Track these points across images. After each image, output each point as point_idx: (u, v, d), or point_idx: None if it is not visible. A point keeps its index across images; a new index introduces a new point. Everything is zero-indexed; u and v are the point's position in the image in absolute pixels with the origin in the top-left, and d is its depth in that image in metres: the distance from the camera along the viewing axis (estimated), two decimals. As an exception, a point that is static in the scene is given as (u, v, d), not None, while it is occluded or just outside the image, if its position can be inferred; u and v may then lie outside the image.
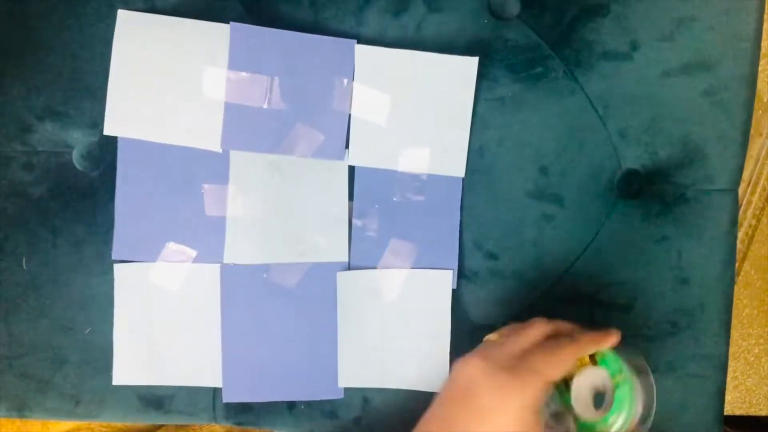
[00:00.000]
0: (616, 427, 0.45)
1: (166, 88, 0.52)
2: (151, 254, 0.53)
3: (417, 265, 0.53)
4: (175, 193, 0.53)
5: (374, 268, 0.53)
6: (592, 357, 0.46)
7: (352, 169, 0.53)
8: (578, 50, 0.52)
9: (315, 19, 0.52)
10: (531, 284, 0.54)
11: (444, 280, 0.53)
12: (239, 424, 0.55)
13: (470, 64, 0.51)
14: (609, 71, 0.52)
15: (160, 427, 0.63)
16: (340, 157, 0.53)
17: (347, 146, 0.53)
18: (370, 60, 0.52)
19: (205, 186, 0.53)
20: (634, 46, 0.52)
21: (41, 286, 0.54)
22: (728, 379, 0.57)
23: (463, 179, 0.53)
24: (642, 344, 0.54)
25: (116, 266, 0.53)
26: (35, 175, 0.53)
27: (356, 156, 0.53)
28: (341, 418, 0.55)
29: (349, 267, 0.53)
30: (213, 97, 0.52)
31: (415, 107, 0.52)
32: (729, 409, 0.67)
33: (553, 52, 0.52)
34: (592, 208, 0.53)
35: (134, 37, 0.51)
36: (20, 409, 0.55)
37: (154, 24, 0.51)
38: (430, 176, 0.53)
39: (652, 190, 0.53)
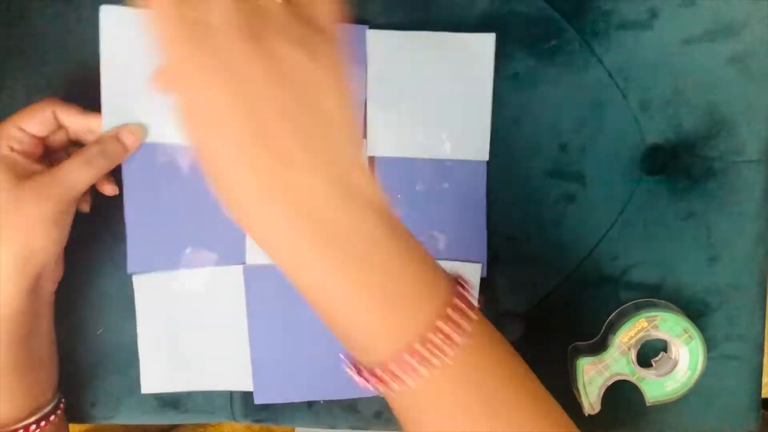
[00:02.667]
0: (679, 385, 0.49)
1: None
2: (169, 262, 0.51)
3: (446, 256, 0.51)
4: (188, 195, 0.51)
5: None
6: (653, 320, 0.49)
7: (371, 160, 0.51)
8: (594, 21, 0.50)
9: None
10: (554, 267, 0.52)
11: (473, 273, 0.51)
12: (258, 421, 0.54)
13: (487, 41, 0.49)
14: (628, 41, 0.50)
15: (176, 426, 0.62)
16: None
17: (365, 136, 0.51)
18: (383, 45, 0.50)
19: None
20: (653, 14, 0.49)
21: (52, 286, 0.53)
22: (765, 360, 0.55)
23: (487, 163, 0.51)
24: (673, 326, 0.52)
25: (135, 278, 0.52)
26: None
27: (375, 146, 0.51)
28: (361, 413, 0.54)
29: None
30: None
31: (433, 91, 0.50)
32: (766, 392, 0.65)
33: (568, 24, 0.50)
34: (615, 185, 0.51)
35: (122, 33, 0.49)
36: (36, 412, 0.54)
37: (141, 19, 0.50)
38: (454, 162, 0.51)
39: (677, 165, 0.51)
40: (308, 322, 0.52)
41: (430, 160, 0.51)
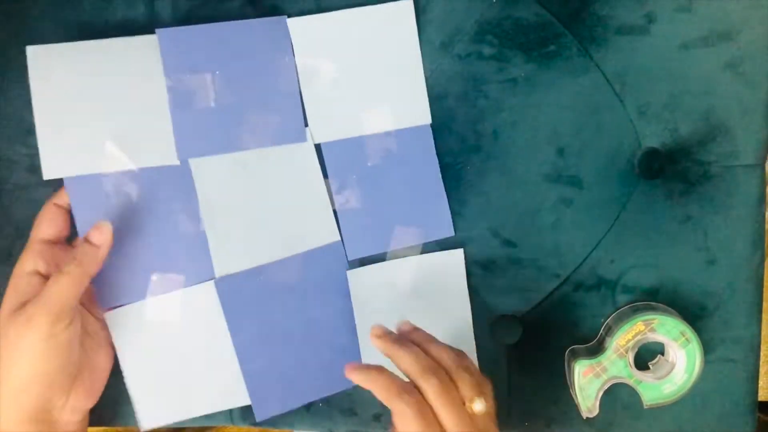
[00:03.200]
0: (676, 388, 0.49)
1: (103, 114, 0.49)
2: (138, 292, 0.51)
3: (422, 242, 0.52)
4: (143, 221, 0.50)
5: (376, 247, 0.52)
6: (650, 323, 0.49)
7: (318, 147, 0.51)
8: (592, 26, 0.50)
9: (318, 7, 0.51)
10: (551, 271, 0.52)
11: (456, 260, 0.52)
12: (256, 425, 0.54)
13: (405, 7, 0.50)
14: (625, 46, 0.50)
15: (179, 430, 0.62)
16: (303, 138, 0.51)
17: (307, 125, 0.51)
18: (306, 31, 0.50)
19: (174, 204, 0.50)
20: (650, 19, 0.50)
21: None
22: (760, 363, 0.55)
23: (431, 125, 0.51)
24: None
25: (107, 315, 0.51)
26: (40, 177, 0.52)
27: (319, 132, 0.51)
28: (360, 416, 0.54)
29: (343, 245, 0.52)
30: (156, 109, 0.49)
31: (364, 66, 0.51)
32: (762, 395, 0.65)
33: (565, 29, 0.50)
34: (612, 189, 0.51)
35: (52, 71, 0.49)
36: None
37: (71, 52, 0.49)
38: (398, 131, 0.51)
39: (674, 169, 0.51)
40: (292, 322, 0.52)
41: (376, 134, 0.51)
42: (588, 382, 0.50)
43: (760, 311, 0.52)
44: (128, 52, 0.50)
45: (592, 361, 0.50)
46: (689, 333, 0.49)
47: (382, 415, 0.54)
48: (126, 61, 0.50)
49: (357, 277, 0.52)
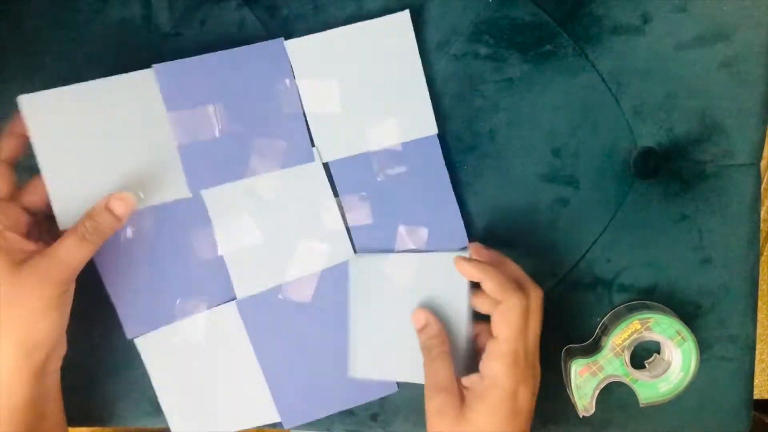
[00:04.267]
0: (672, 386, 0.50)
1: (109, 156, 0.49)
2: (164, 318, 0.52)
3: (430, 239, 0.52)
4: (163, 255, 0.51)
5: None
6: (646, 322, 0.49)
7: (327, 166, 0.51)
8: (587, 26, 0.50)
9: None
10: (548, 271, 0.52)
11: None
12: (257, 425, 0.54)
13: (403, 19, 0.50)
14: (620, 46, 0.50)
15: None
16: (310, 159, 0.51)
17: (314, 145, 0.51)
18: (304, 51, 0.50)
19: (191, 235, 0.51)
20: (646, 19, 0.50)
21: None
22: (756, 361, 0.55)
23: (438, 135, 0.51)
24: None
25: (137, 341, 0.52)
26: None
27: (326, 151, 0.51)
28: (358, 415, 0.54)
29: None
30: (163, 145, 0.49)
31: (366, 81, 0.51)
32: (758, 393, 0.66)
33: (561, 29, 0.50)
34: (608, 189, 0.52)
35: (50, 118, 0.47)
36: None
37: (68, 96, 0.47)
38: (405, 144, 0.51)
39: (669, 168, 0.51)
40: (312, 337, 0.52)
41: (383, 149, 0.51)
42: (584, 381, 0.50)
43: (755, 310, 0.53)
44: (126, 90, 0.48)
45: (589, 360, 0.50)
46: (685, 332, 0.49)
47: (380, 415, 0.54)
48: (125, 99, 0.48)
49: (358, 265, 0.52)
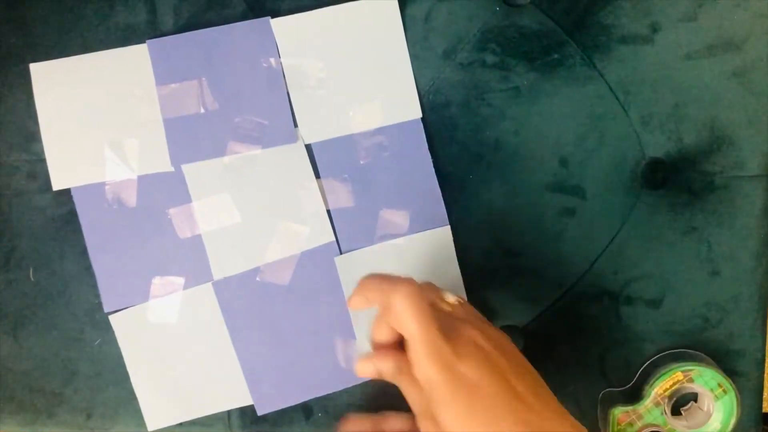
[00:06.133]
0: None
1: (102, 124, 0.50)
2: (141, 295, 0.52)
3: (412, 223, 0.51)
4: (143, 227, 0.51)
5: (370, 243, 0.51)
6: (688, 373, 0.49)
7: (309, 147, 0.51)
8: (595, 35, 0.50)
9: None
10: (554, 282, 0.52)
11: (444, 237, 0.51)
12: (255, 433, 0.54)
13: (389, 2, 0.50)
14: (629, 56, 0.50)
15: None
16: (293, 139, 0.51)
17: (296, 125, 0.51)
18: (290, 30, 0.50)
19: (171, 210, 0.51)
20: (655, 29, 0.49)
21: (49, 297, 0.52)
22: (766, 376, 0.54)
23: (422, 119, 0.51)
24: (673, 340, 0.52)
25: (111, 317, 0.52)
26: (40, 184, 0.52)
27: (308, 133, 0.51)
28: (336, 401, 0.53)
29: (338, 245, 0.52)
30: (150, 118, 0.50)
31: (351, 63, 0.50)
32: (767, 407, 0.65)
33: (569, 38, 0.50)
34: (615, 200, 0.51)
35: (55, 85, 0.50)
36: (32, 423, 0.54)
37: (71, 66, 0.50)
38: (388, 127, 0.51)
39: (678, 179, 0.51)
40: (289, 321, 0.52)
41: (366, 132, 0.51)
42: (623, 428, 0.50)
43: (764, 324, 0.52)
44: (123, 63, 0.50)
45: (629, 409, 0.50)
46: (726, 384, 0.49)
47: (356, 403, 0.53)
48: (121, 72, 0.50)
49: (345, 263, 0.51)
